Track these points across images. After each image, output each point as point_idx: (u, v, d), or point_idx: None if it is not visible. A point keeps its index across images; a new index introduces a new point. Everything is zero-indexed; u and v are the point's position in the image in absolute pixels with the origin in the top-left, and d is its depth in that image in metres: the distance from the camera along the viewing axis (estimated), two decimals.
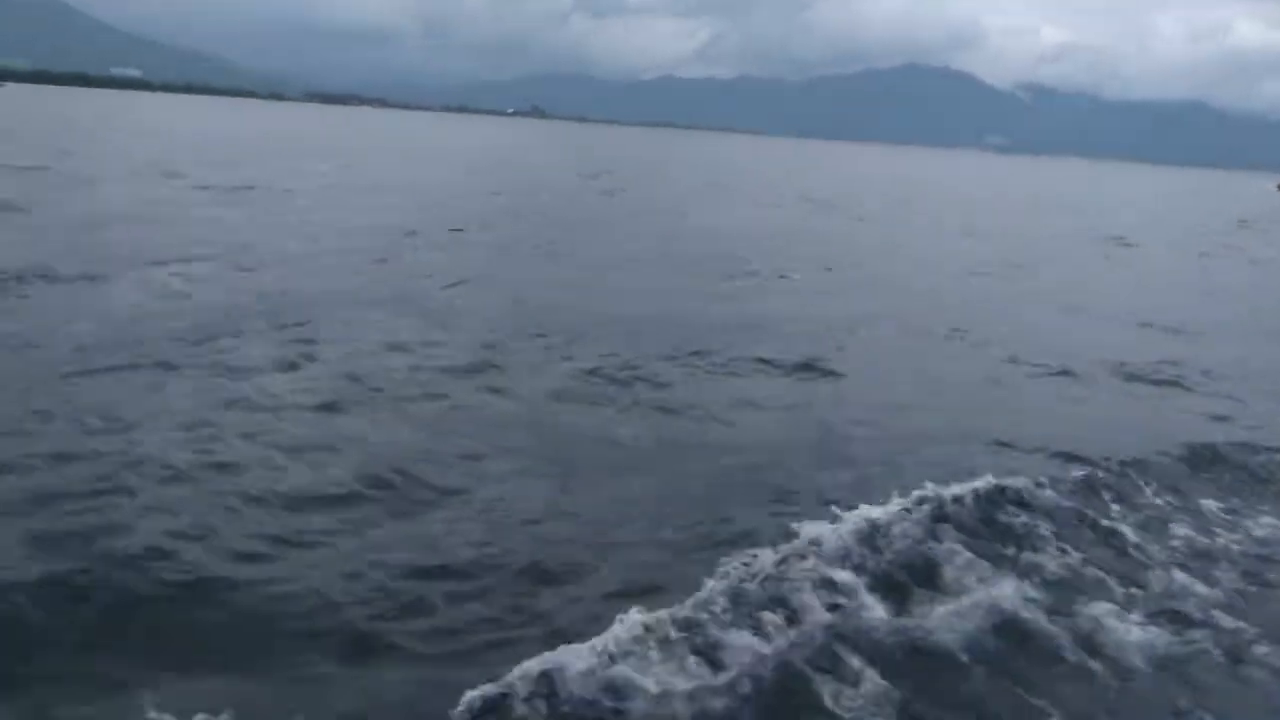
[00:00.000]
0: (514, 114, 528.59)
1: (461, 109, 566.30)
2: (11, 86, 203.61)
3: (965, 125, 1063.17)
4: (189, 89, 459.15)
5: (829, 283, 18.86)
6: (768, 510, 6.81)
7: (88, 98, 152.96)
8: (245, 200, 25.00)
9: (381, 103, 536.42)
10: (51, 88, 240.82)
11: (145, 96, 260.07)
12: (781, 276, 18.68)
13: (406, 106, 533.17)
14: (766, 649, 4.88)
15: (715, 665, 4.73)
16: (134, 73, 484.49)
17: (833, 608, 5.32)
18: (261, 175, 32.33)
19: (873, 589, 5.55)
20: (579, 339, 11.71)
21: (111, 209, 20.79)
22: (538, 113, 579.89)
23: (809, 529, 6.09)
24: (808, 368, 11.19)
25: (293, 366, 9.62)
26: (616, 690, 4.45)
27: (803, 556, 5.78)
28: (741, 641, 4.90)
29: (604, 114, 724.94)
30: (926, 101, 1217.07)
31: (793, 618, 5.17)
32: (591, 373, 10.29)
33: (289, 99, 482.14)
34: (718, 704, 4.48)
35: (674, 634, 4.87)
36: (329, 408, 8.45)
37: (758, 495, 7.16)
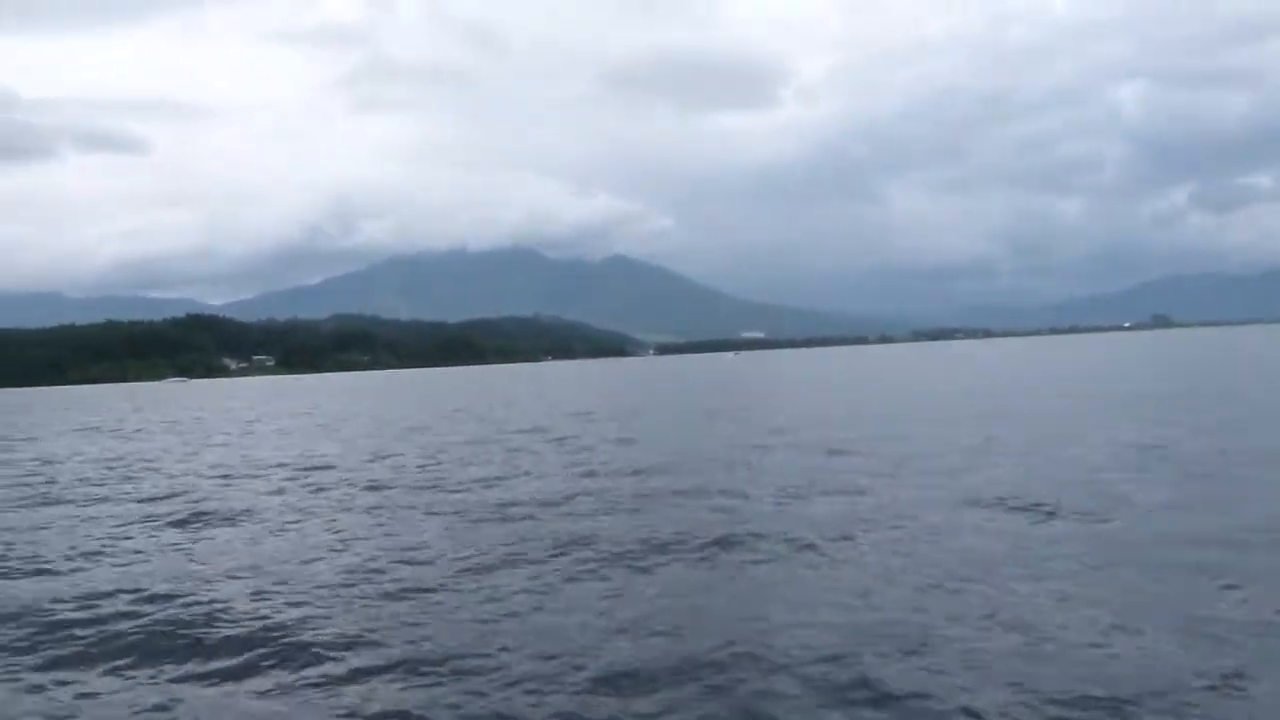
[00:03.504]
0: (1131, 327, 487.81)
1: (1071, 329, 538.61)
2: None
3: None
4: (809, 343, 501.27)
5: None
6: None
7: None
8: None
9: (985, 333, 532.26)
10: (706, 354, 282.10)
11: (791, 353, 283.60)
12: None
13: (1010, 333, 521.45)
14: None
15: None
16: (758, 334, 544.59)
17: None
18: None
19: None
20: None
21: None
22: (1161, 321, 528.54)
23: None
24: None
25: None
26: None
27: None
28: None
29: (1242, 313, 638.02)
30: None
31: None
32: None
33: (897, 340, 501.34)
34: None
35: None
36: None
37: None
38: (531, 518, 13.30)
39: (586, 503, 14.36)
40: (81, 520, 14.97)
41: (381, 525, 13.35)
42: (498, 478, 17.79)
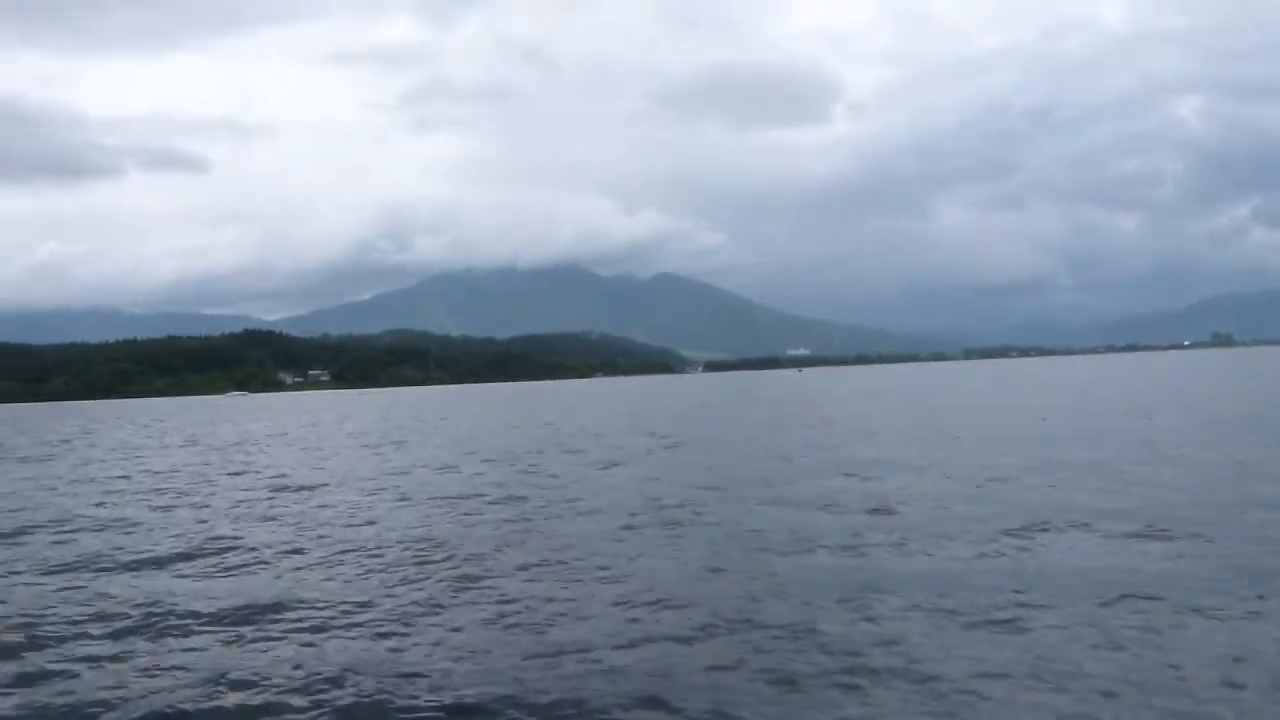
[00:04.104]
0: (1191, 345, 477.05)
1: (1129, 346, 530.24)
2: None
3: None
4: (859, 360, 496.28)
5: None
6: None
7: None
8: None
9: (1040, 351, 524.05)
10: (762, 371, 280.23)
11: (834, 370, 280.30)
12: None
13: (1067, 351, 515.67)
14: None
15: None
16: (804, 351, 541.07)
17: None
18: None
19: None
20: None
21: None
22: (1222, 340, 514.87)
23: None
24: None
25: None
26: None
27: None
28: None
29: None
30: None
31: None
32: None
33: (950, 358, 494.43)
34: None
35: None
36: None
37: None
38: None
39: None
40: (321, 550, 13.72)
41: (636, 558, 11.89)
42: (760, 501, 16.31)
